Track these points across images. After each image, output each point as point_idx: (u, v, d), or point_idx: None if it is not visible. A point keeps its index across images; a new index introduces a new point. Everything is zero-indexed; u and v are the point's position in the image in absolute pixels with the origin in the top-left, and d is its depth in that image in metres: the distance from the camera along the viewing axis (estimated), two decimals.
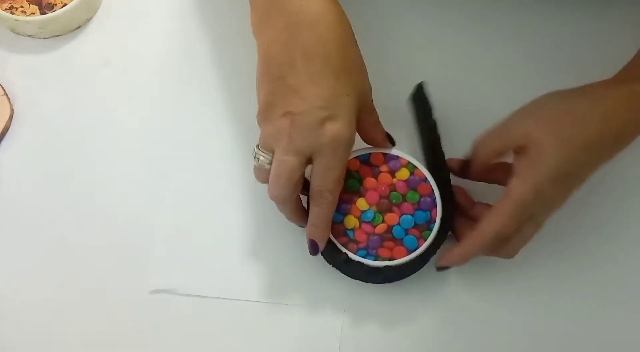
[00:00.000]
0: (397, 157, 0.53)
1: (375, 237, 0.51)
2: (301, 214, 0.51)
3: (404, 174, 0.52)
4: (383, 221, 0.51)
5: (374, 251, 0.51)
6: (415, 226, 0.51)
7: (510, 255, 0.50)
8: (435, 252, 0.52)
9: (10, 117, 0.59)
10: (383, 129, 0.53)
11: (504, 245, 0.49)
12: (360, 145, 0.53)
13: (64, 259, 0.55)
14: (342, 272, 0.53)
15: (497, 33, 0.63)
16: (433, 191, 0.52)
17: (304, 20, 0.48)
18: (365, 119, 0.51)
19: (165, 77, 0.62)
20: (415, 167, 0.53)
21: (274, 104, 0.48)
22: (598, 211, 0.56)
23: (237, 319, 0.53)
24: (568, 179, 0.48)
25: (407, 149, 0.54)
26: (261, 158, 0.49)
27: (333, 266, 0.53)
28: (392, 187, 0.52)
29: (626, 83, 0.49)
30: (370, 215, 0.52)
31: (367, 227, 0.51)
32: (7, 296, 0.54)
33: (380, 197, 0.52)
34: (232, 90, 0.60)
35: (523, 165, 0.48)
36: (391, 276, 0.52)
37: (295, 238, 0.54)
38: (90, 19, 0.64)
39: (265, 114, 0.49)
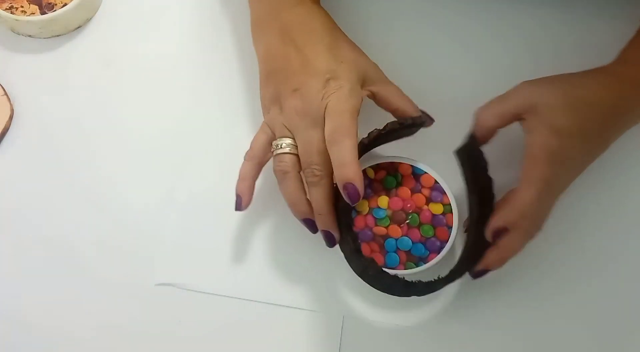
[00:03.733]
0: (443, 193, 0.53)
1: (369, 232, 0.52)
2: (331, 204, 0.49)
3: (437, 208, 0.52)
4: (386, 228, 0.52)
5: (359, 242, 0.51)
6: (408, 253, 0.51)
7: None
8: (400, 290, 0.49)
9: (10, 117, 0.59)
10: (409, 99, 0.53)
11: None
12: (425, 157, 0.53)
13: (66, 257, 0.55)
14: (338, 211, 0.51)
15: (496, 31, 0.63)
16: (447, 241, 0.51)
17: (295, 21, 0.53)
18: (383, 90, 0.52)
19: (165, 77, 0.62)
20: (451, 211, 0.52)
21: (280, 93, 0.51)
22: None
23: (237, 318, 0.53)
24: (582, 133, 0.48)
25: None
26: (284, 143, 0.50)
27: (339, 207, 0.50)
28: (418, 210, 0.52)
29: (621, 63, 0.53)
30: (381, 214, 0.52)
31: (370, 221, 0.52)
32: (10, 293, 0.54)
33: (402, 209, 0.52)
34: (235, 89, 0.60)
35: (535, 121, 0.48)
36: (348, 257, 0.50)
37: (300, 241, 0.54)
38: (90, 19, 0.64)
39: (275, 106, 0.51)
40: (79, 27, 0.64)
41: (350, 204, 0.48)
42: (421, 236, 0.51)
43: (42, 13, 0.61)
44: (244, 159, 0.52)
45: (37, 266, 0.54)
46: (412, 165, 0.53)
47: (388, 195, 0.53)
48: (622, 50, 0.54)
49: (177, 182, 0.57)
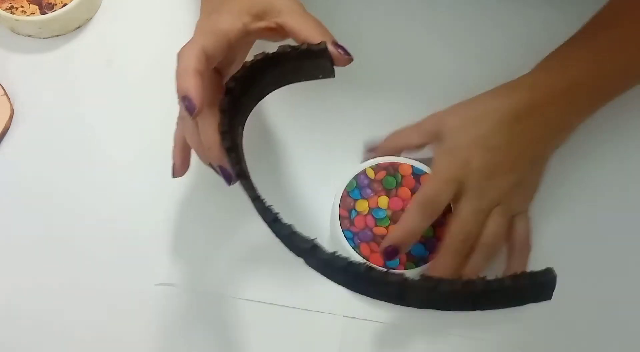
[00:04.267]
0: None
1: (369, 232, 0.52)
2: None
3: None
4: (386, 228, 0.52)
5: (359, 242, 0.51)
6: (408, 253, 0.51)
7: (486, 253, 0.50)
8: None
9: (10, 117, 0.59)
10: (324, 31, 0.48)
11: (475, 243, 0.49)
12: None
13: (65, 256, 0.55)
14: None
15: (484, 19, 0.63)
16: None
17: None
18: (290, 21, 0.48)
19: (165, 77, 0.61)
20: (451, 211, 0.52)
21: None
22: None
23: (237, 318, 0.53)
24: (489, 146, 0.49)
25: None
26: None
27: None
28: None
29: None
30: (381, 215, 0.52)
31: (370, 221, 0.52)
32: (9, 293, 0.54)
33: (402, 209, 0.52)
34: None
35: (441, 146, 0.50)
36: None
37: None
38: (90, 19, 0.64)
39: None
40: (79, 27, 0.64)
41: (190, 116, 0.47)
42: (422, 236, 0.51)
43: (42, 13, 0.61)
44: None
45: (37, 266, 0.55)
46: (412, 165, 0.53)
47: (388, 195, 0.53)
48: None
49: (178, 180, 0.57)
